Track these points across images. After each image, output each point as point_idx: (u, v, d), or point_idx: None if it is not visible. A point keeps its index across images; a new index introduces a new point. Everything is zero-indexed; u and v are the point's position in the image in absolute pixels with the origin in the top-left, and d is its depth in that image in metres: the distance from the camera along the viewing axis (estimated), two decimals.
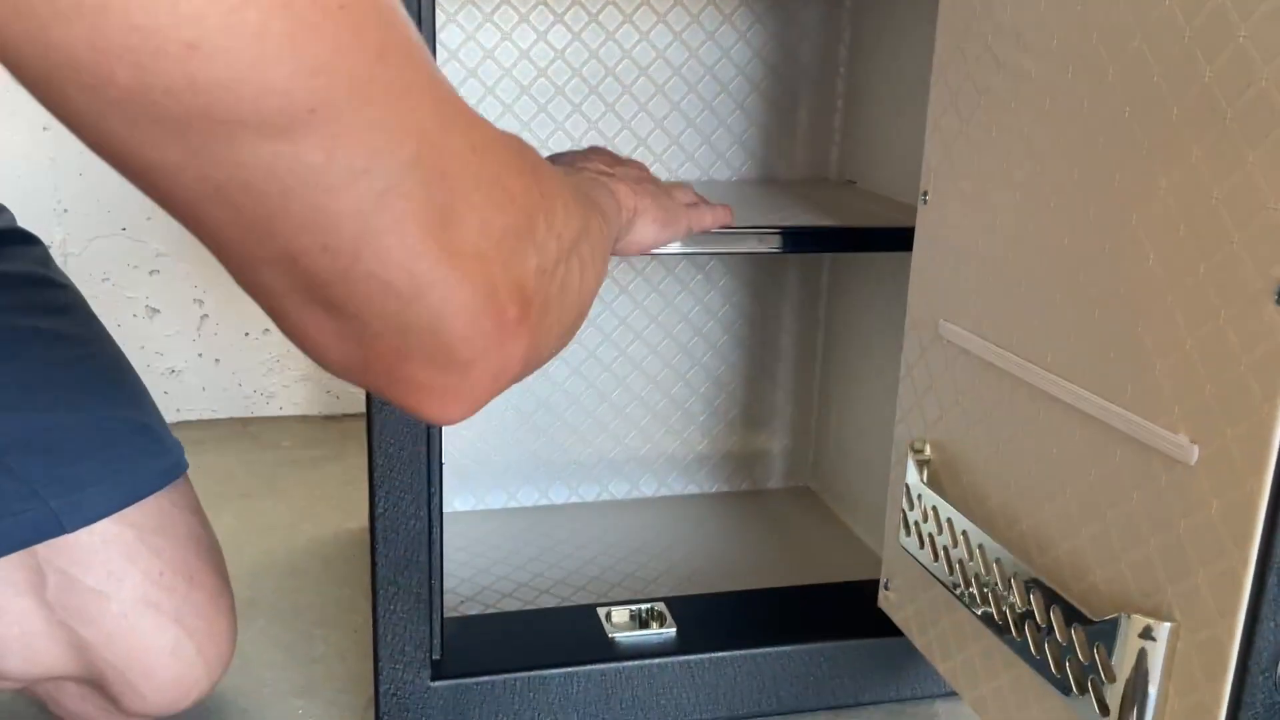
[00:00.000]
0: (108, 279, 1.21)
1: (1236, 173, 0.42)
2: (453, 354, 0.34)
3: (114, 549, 0.63)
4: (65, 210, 1.18)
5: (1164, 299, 0.46)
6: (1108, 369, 0.50)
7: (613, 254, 0.58)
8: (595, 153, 0.68)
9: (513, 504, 1.06)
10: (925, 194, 0.66)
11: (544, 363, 0.40)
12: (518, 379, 0.37)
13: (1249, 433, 0.41)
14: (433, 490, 0.70)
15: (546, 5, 0.95)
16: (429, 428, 0.69)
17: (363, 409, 1.32)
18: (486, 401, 0.36)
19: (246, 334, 1.27)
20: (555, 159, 0.66)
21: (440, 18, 0.93)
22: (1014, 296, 0.57)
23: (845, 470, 1.05)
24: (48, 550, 0.63)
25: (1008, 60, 0.57)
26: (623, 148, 1.00)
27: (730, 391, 1.09)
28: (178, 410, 1.26)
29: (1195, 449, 0.44)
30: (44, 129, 1.16)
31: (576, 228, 0.41)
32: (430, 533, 0.70)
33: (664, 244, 0.66)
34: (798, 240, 0.79)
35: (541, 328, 0.37)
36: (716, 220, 0.71)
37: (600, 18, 0.96)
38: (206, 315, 1.25)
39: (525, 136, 0.99)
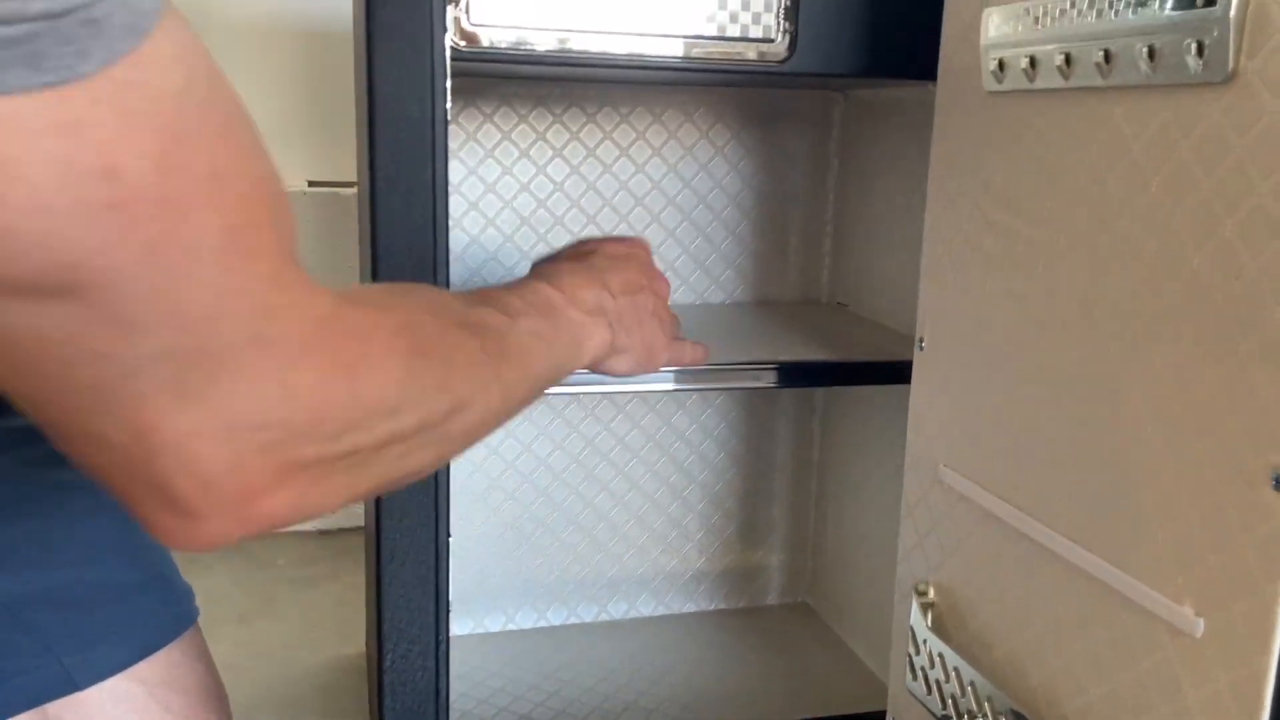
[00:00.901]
0: None
1: (1229, 359, 0.44)
2: (187, 507, 0.34)
3: (123, 706, 0.63)
4: None
5: (1163, 470, 0.48)
6: (1110, 532, 0.51)
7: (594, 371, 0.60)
8: (607, 243, 0.68)
9: (511, 626, 1.05)
10: (922, 340, 0.68)
11: (348, 503, 0.39)
12: (285, 524, 0.37)
13: (1254, 610, 0.43)
14: (440, 638, 0.70)
15: (545, 141, 0.98)
16: (436, 566, 0.70)
17: (356, 524, 1.32)
18: (238, 540, 0.36)
19: None
20: (560, 253, 0.66)
21: None
22: (1013, 450, 0.59)
23: (843, 586, 1.06)
24: (56, 707, 0.63)
25: (998, 221, 0.60)
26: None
27: (727, 508, 1.10)
28: None
29: (1201, 622, 0.45)
30: None
31: (437, 411, 0.40)
32: (438, 679, 0.70)
33: (639, 374, 0.67)
34: (792, 375, 0.81)
35: (313, 494, 0.36)
36: (694, 359, 0.72)
37: (598, 152, 0.99)
38: None
39: (525, 268, 1.01)
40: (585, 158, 0.99)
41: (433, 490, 0.69)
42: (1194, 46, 0.45)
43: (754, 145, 1.03)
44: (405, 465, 0.40)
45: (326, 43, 1.29)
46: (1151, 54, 0.47)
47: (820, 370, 0.82)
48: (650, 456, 1.06)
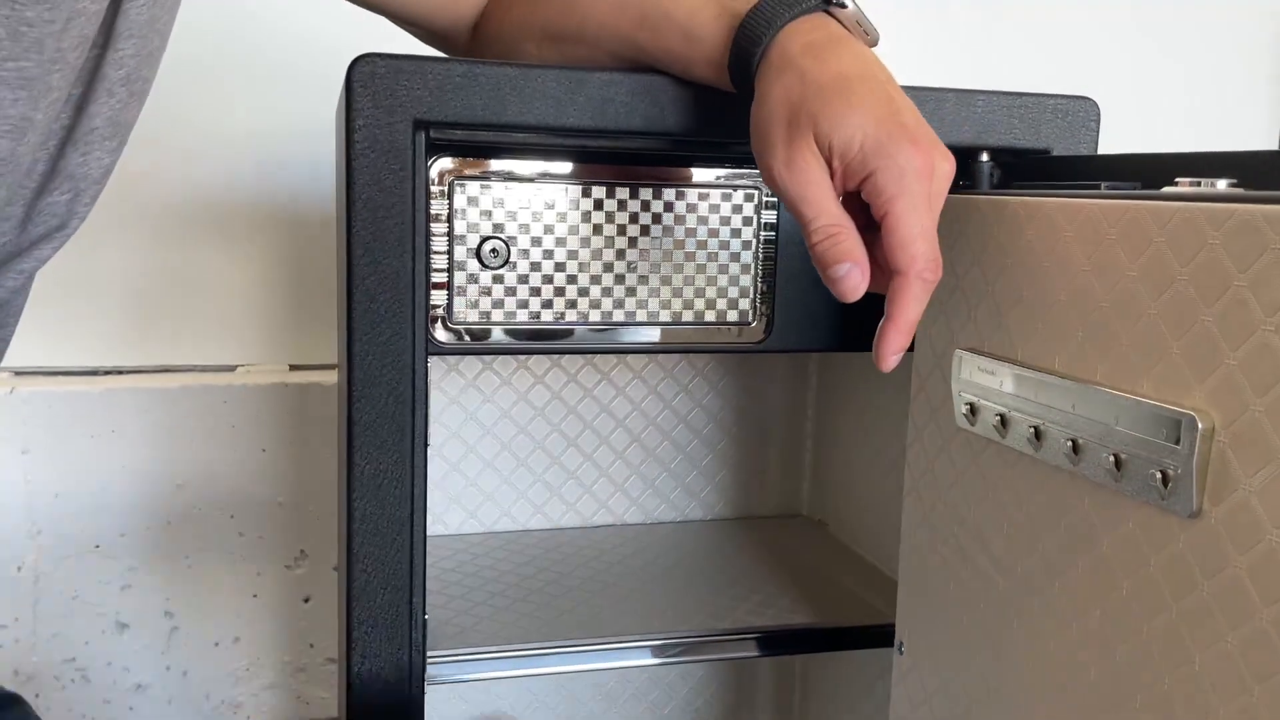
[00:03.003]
0: (77, 597, 1.20)
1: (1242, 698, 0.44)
2: None
3: None
4: (39, 531, 1.18)
5: None
6: None
7: None
8: None
9: None
10: (901, 645, 0.68)
11: None
12: None
13: None
14: None
15: (527, 369, 0.98)
16: None
17: (330, 715, 1.30)
18: None
19: (216, 644, 1.25)
20: None
21: None
22: None
23: None
24: None
25: (974, 558, 0.60)
26: (600, 493, 1.02)
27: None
28: None
29: None
30: (22, 452, 1.17)
31: None
32: None
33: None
34: (772, 644, 0.81)
35: None
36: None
37: (579, 377, 0.99)
38: (176, 628, 1.24)
39: (504, 490, 1.01)
40: (566, 383, 0.99)
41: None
42: (1159, 475, 0.45)
43: (735, 365, 1.03)
44: None
45: (310, 229, 1.30)
46: (1118, 463, 0.48)
47: (803, 636, 0.82)
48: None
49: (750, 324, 0.74)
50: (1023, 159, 0.66)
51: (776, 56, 0.54)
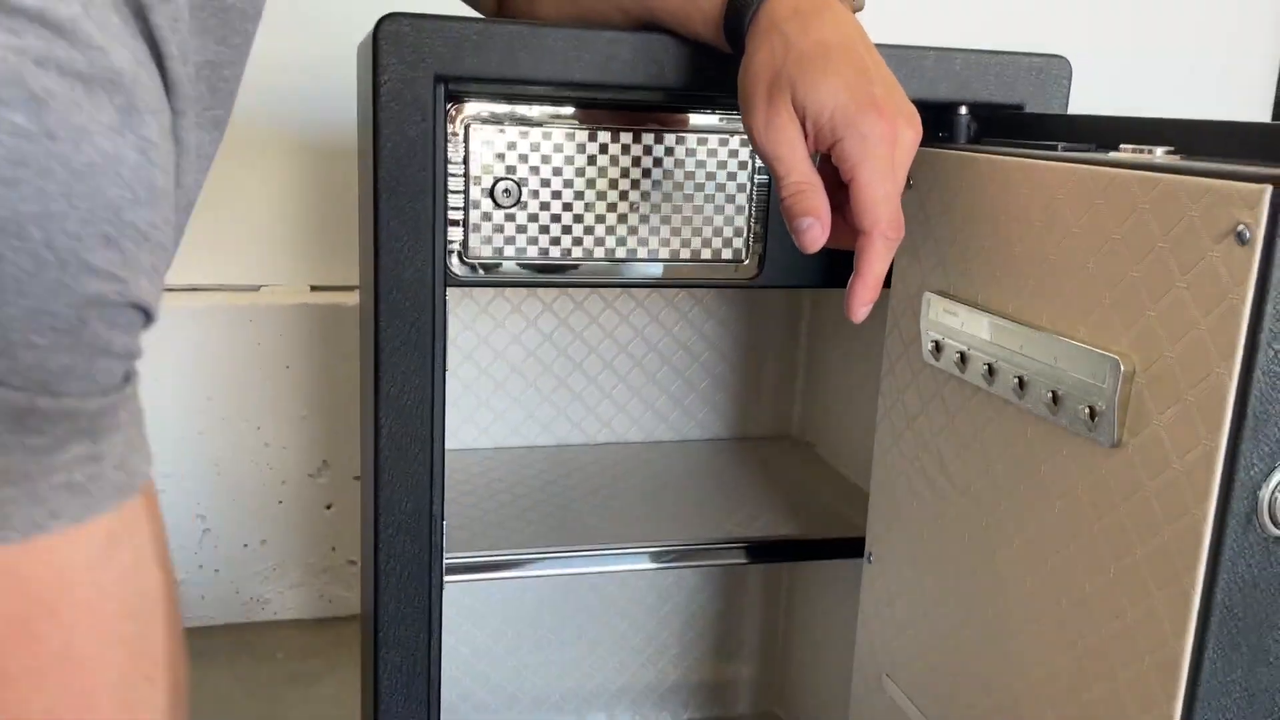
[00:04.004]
0: None
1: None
2: None
3: None
4: None
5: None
6: None
7: None
8: None
9: None
10: (870, 555, 0.75)
11: None
12: None
13: None
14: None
15: (536, 297, 1.04)
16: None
17: (351, 611, 1.40)
18: None
19: (245, 545, 1.34)
20: None
21: None
22: (948, 678, 0.66)
23: (811, 699, 1.14)
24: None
25: (935, 479, 0.67)
26: (604, 414, 1.09)
27: (700, 626, 1.17)
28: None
29: None
30: None
31: None
32: None
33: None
34: (759, 554, 0.88)
35: None
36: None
37: (585, 305, 1.06)
38: (208, 529, 1.33)
39: (514, 408, 1.08)
40: (573, 310, 1.06)
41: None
42: (1087, 410, 0.52)
43: (734, 295, 1.09)
44: None
45: (327, 157, 1.35)
46: (1055, 399, 0.54)
47: (786, 546, 0.90)
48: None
49: (744, 261, 0.80)
50: (998, 113, 0.71)
51: (764, 20, 0.59)
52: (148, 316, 0.39)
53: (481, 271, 0.76)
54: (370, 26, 0.63)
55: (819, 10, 0.58)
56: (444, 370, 0.72)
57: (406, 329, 0.68)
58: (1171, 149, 0.53)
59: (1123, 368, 0.50)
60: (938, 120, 0.71)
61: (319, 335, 1.34)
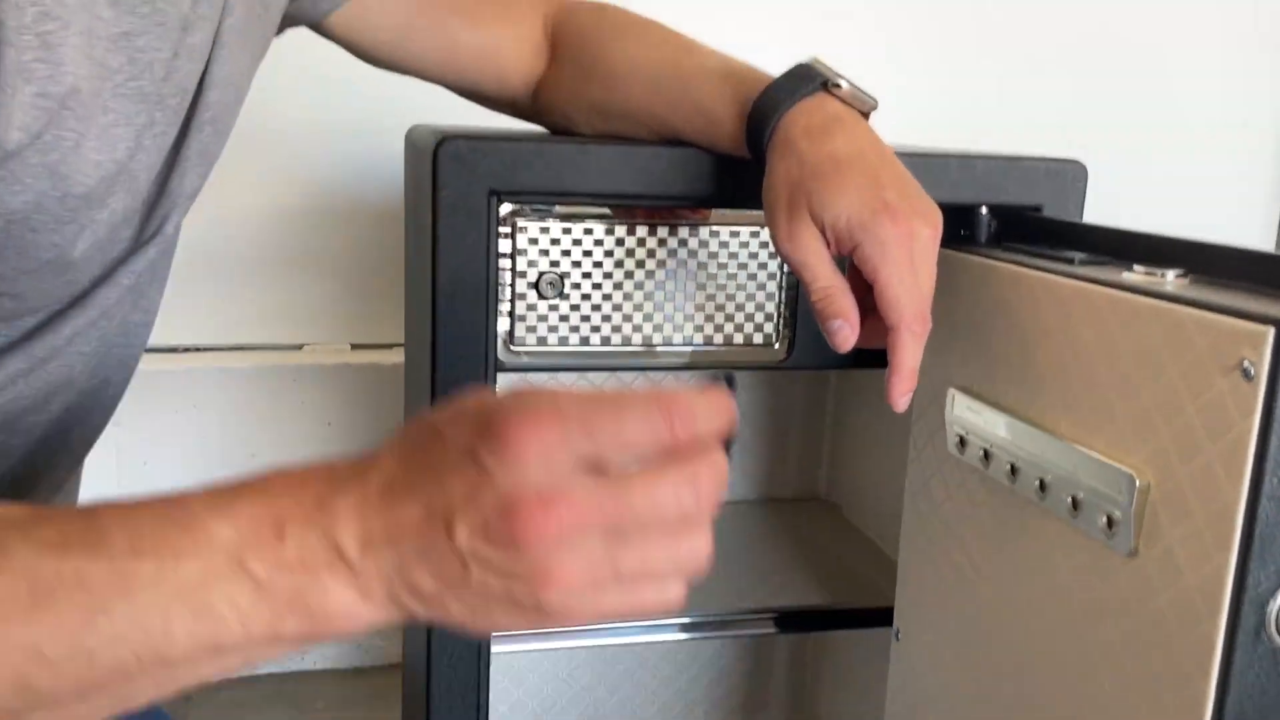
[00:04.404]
0: None
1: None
2: None
3: None
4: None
5: None
6: None
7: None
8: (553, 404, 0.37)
9: None
10: (898, 631, 0.79)
11: None
12: None
13: None
14: None
15: (585, 378, 1.09)
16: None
17: (387, 661, 1.44)
18: None
19: None
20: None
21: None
22: None
23: None
24: None
25: (960, 565, 0.70)
26: None
27: (728, 685, 1.20)
28: None
29: None
30: (114, 424, 1.29)
31: None
32: None
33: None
34: (787, 623, 0.92)
35: None
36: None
37: (621, 375, 1.10)
38: None
39: None
40: (606, 379, 1.10)
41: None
42: (1105, 519, 0.55)
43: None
44: None
45: (373, 218, 1.40)
46: (1075, 504, 0.58)
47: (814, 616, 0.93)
48: None
49: (774, 346, 0.84)
50: (1017, 215, 0.75)
51: (780, 139, 0.63)
52: None
53: (526, 359, 0.80)
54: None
55: (830, 126, 0.62)
56: None
57: None
58: (1182, 272, 0.57)
59: (1138, 482, 0.53)
60: (960, 219, 0.75)
61: (360, 392, 1.39)
